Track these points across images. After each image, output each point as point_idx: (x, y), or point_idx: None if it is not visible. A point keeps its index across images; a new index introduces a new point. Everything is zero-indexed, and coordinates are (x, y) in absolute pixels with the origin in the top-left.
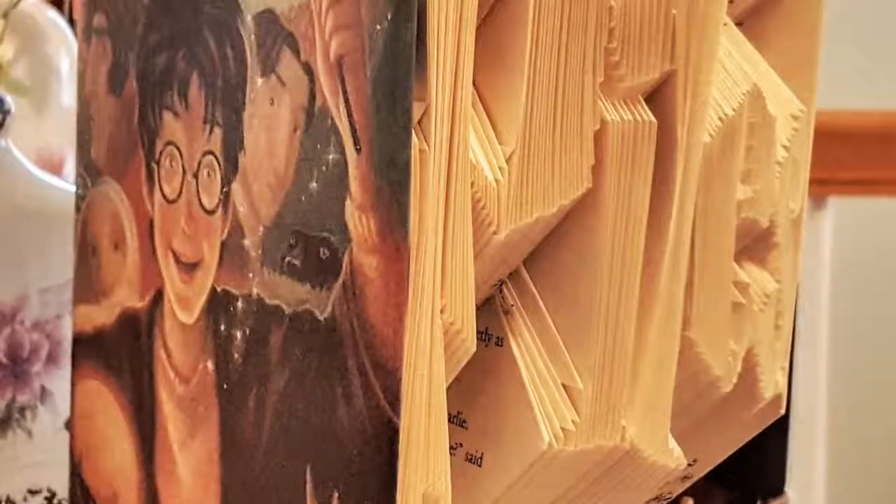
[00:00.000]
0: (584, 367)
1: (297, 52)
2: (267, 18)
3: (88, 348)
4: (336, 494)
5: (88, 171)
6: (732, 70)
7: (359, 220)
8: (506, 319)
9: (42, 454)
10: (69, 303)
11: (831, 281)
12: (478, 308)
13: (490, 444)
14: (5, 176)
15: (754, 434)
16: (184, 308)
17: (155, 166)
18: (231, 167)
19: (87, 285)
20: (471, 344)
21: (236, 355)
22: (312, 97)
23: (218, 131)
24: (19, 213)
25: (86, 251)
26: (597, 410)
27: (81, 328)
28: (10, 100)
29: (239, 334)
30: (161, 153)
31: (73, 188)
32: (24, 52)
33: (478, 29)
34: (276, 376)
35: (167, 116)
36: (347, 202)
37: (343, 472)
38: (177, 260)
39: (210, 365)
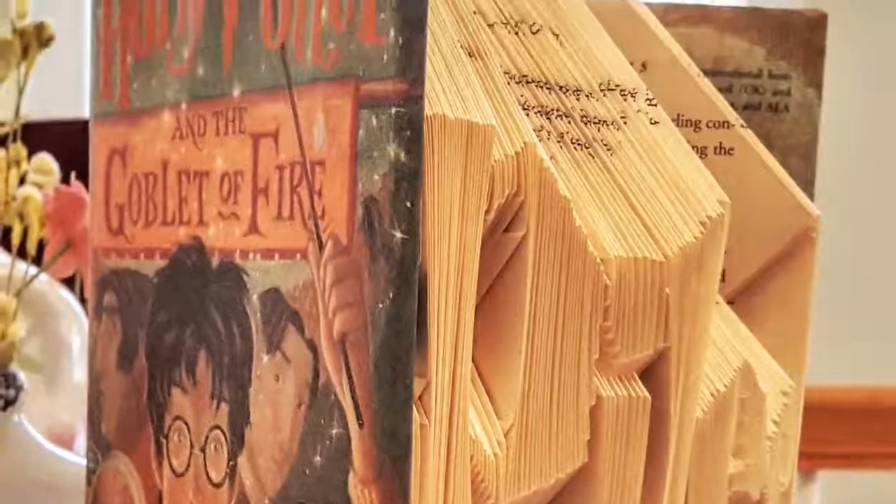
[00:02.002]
0: None
1: (301, 330)
2: (272, 297)
3: None
4: None
5: (99, 445)
6: (724, 347)
7: (361, 493)
8: None
9: None
10: None
11: None
12: None
13: None
14: (18, 450)
15: None
16: None
17: (164, 441)
18: (237, 441)
19: None
20: None
21: None
22: (316, 374)
23: (225, 406)
24: (32, 486)
25: None
26: None
27: None
28: (22, 376)
29: None
30: (170, 428)
31: (83, 462)
32: (37, 330)
33: (477, 307)
34: None
35: (175, 392)
36: (350, 475)
37: None
38: None
39: None
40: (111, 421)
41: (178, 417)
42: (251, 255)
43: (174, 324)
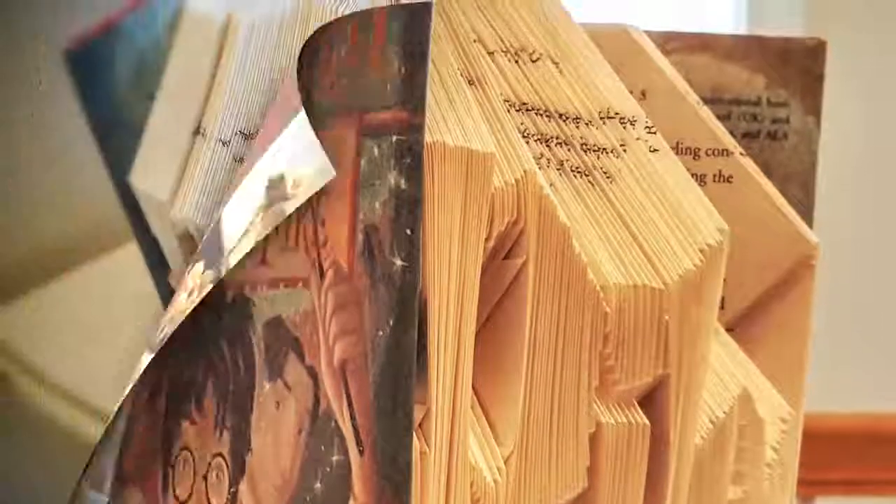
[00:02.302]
0: None
1: (301, 356)
2: (275, 324)
3: None
4: None
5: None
6: (723, 374)
7: None
8: None
9: None
10: None
11: None
12: None
13: None
14: None
15: None
16: None
17: (170, 470)
18: (238, 468)
19: None
20: None
21: None
22: (316, 401)
23: (227, 434)
24: None
25: None
26: None
27: None
28: None
29: None
30: (176, 458)
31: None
32: None
33: (477, 334)
34: None
35: (184, 423)
36: (351, 502)
37: None
38: None
39: None
40: (127, 453)
41: (184, 448)
42: (259, 287)
43: (188, 357)
